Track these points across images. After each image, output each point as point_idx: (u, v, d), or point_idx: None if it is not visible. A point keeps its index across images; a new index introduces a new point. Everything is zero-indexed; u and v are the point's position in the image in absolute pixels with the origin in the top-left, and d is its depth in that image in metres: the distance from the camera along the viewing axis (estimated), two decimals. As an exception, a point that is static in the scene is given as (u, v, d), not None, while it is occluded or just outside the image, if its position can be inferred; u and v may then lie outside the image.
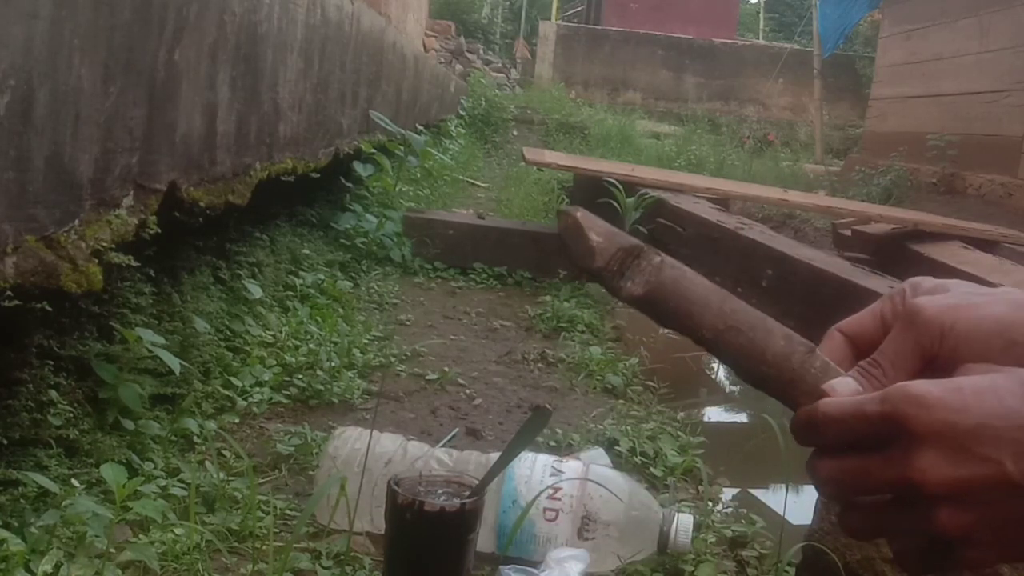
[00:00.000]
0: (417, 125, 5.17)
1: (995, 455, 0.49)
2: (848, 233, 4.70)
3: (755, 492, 2.02)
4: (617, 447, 1.68)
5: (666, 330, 2.21)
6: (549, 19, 17.70)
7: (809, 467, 0.56)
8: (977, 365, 0.53)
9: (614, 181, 3.18)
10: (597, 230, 0.59)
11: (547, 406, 1.10)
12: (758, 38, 20.25)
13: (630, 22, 15.70)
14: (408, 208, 3.82)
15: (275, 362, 1.90)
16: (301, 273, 2.61)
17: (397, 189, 3.92)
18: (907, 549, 0.54)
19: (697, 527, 1.29)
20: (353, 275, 2.98)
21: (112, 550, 1.05)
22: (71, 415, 1.30)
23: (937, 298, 0.58)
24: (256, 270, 2.29)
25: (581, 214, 0.60)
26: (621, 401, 2.07)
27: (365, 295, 2.78)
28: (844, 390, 0.56)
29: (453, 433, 1.72)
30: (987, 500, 0.50)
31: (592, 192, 3.42)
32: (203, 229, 1.83)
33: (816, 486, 0.56)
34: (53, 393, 1.30)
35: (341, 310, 2.47)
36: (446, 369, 2.09)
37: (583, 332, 2.61)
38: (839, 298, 2.13)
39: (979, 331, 0.55)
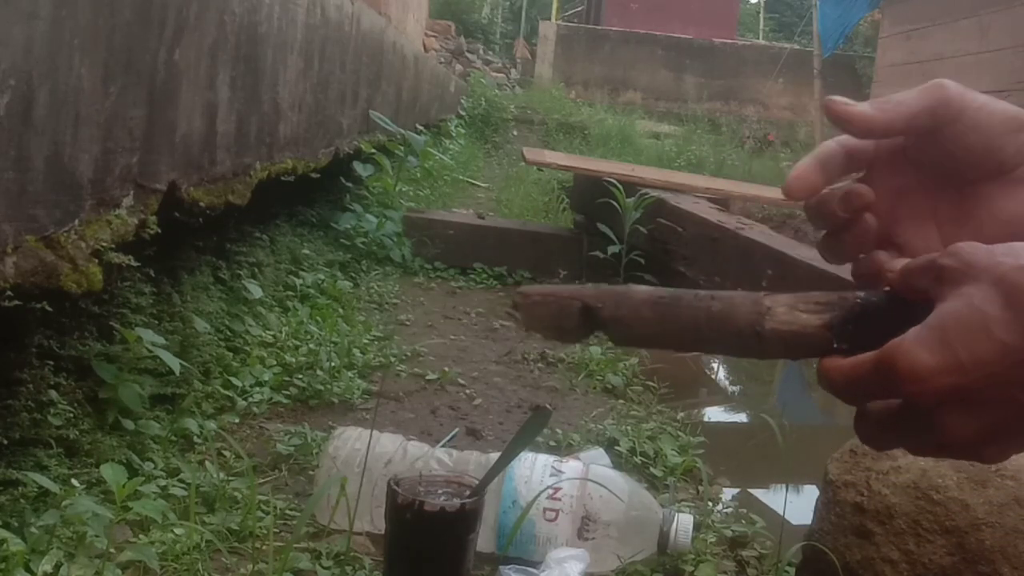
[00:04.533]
0: (417, 125, 5.17)
1: (1009, 395, 0.47)
2: (848, 233, 4.68)
3: (755, 492, 2.02)
4: (617, 447, 1.68)
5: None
6: (549, 19, 17.69)
7: (821, 369, 0.55)
8: (952, 268, 0.51)
9: (614, 181, 3.18)
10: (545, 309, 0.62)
11: (547, 406, 1.10)
12: (758, 38, 20.25)
13: (630, 22, 15.69)
14: (408, 208, 3.82)
15: (275, 362, 1.90)
16: (301, 273, 2.61)
17: (397, 189, 3.92)
18: (923, 448, 0.53)
19: (697, 527, 1.29)
20: (353, 275, 2.98)
21: (112, 550, 1.05)
22: (71, 415, 1.30)
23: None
24: (256, 270, 2.29)
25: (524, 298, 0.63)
26: (621, 401, 2.07)
27: (365, 295, 2.78)
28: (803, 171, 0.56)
29: (453, 433, 1.72)
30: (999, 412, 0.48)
31: (592, 192, 3.42)
32: (203, 229, 1.83)
33: (825, 387, 0.55)
34: (53, 393, 1.30)
35: (341, 310, 2.47)
36: (446, 369, 2.09)
37: (583, 332, 2.61)
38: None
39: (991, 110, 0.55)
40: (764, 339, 0.57)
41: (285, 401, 1.76)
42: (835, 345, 0.54)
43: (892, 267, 0.56)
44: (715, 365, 3.35)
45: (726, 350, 0.60)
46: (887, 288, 0.56)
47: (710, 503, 1.53)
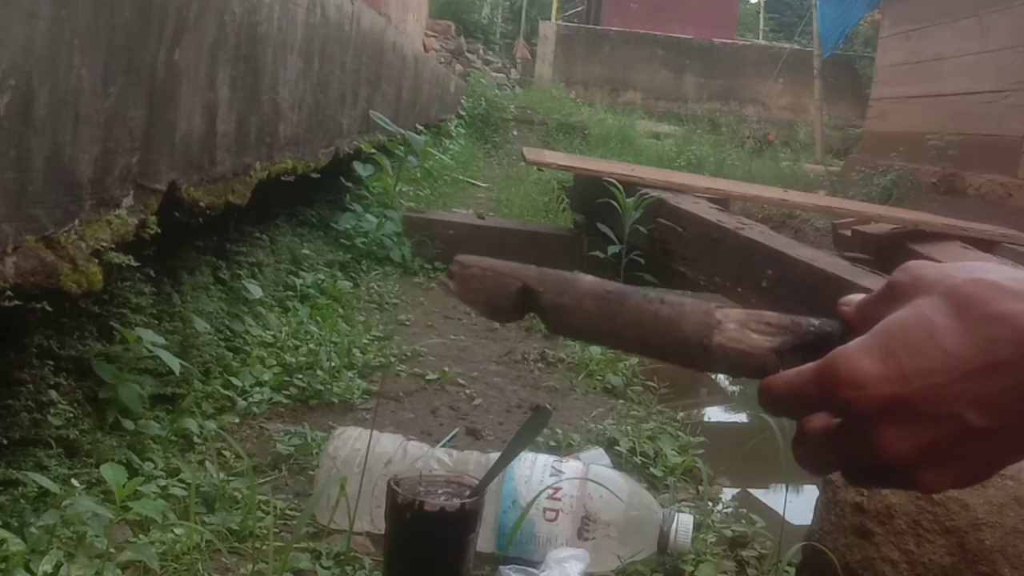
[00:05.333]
0: (417, 125, 5.17)
1: (951, 411, 0.45)
2: (848, 233, 4.69)
3: (755, 492, 2.02)
4: (617, 447, 1.68)
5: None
6: (549, 19, 17.69)
7: (763, 385, 0.52)
8: (903, 277, 0.49)
9: (614, 181, 3.18)
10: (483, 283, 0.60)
11: (547, 406, 1.10)
12: (758, 38, 20.25)
13: (630, 22, 15.68)
14: (408, 208, 3.82)
15: (275, 362, 1.90)
16: (301, 273, 2.61)
17: (397, 189, 3.92)
18: (861, 472, 0.51)
19: (697, 527, 1.29)
20: (353, 275, 2.98)
21: (112, 550, 1.05)
22: (71, 415, 1.30)
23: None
24: (256, 270, 2.29)
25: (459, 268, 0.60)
26: (621, 401, 2.07)
27: (365, 295, 2.78)
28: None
29: (453, 433, 1.72)
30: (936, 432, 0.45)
31: (592, 192, 3.42)
32: (203, 229, 1.83)
33: (764, 405, 0.53)
34: (53, 393, 1.30)
35: (341, 310, 2.47)
36: (446, 369, 2.09)
37: (583, 332, 2.61)
38: (839, 298, 2.13)
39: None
40: (710, 353, 0.55)
41: (285, 401, 1.76)
42: (781, 371, 0.52)
43: (848, 300, 0.54)
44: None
45: (668, 358, 0.57)
46: (841, 319, 0.54)
47: (710, 503, 1.53)
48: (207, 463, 1.37)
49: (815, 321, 0.55)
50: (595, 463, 1.34)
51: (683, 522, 1.24)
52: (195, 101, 1.52)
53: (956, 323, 0.45)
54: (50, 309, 1.14)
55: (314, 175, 2.60)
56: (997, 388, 0.44)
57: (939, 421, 0.45)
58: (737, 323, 0.55)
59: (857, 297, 0.53)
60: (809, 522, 1.23)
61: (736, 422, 3.02)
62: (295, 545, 1.14)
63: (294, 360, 1.92)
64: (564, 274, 0.60)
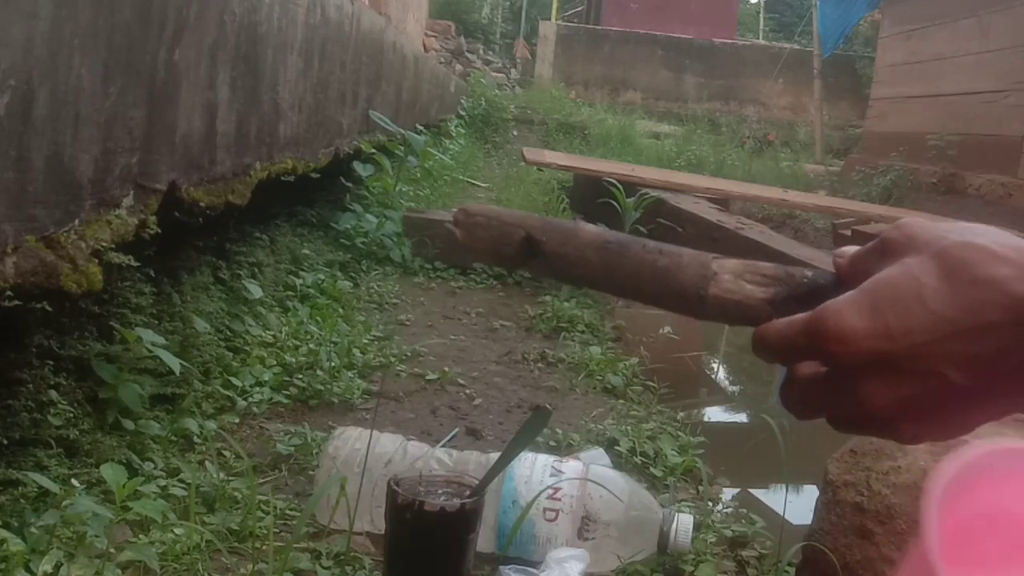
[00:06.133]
0: (417, 125, 5.17)
1: (935, 368, 0.46)
2: (848, 233, 4.70)
3: (755, 492, 2.02)
4: (617, 447, 1.68)
5: (666, 330, 2.20)
6: (549, 19, 17.69)
7: (757, 333, 0.54)
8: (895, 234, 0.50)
9: (614, 181, 3.18)
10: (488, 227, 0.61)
11: (547, 406, 1.10)
12: (758, 38, 20.25)
13: (630, 22, 15.69)
14: (408, 208, 3.82)
15: (275, 362, 1.90)
16: (301, 273, 2.61)
17: (397, 189, 3.92)
18: (842, 418, 0.52)
19: (697, 527, 1.29)
20: (353, 275, 2.98)
21: (112, 550, 1.05)
22: (71, 415, 1.30)
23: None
24: (256, 270, 2.29)
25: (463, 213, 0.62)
26: (621, 401, 2.07)
27: (365, 295, 2.78)
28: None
29: (453, 433, 1.72)
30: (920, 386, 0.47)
31: (592, 192, 3.42)
32: (203, 229, 1.83)
33: (758, 351, 0.54)
34: (53, 393, 1.30)
35: (341, 310, 2.47)
36: (446, 369, 2.09)
37: (583, 332, 2.61)
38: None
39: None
40: (706, 303, 0.56)
41: (285, 401, 1.76)
42: (774, 320, 0.54)
43: (842, 252, 0.55)
44: (715, 365, 3.35)
45: (665, 306, 0.59)
46: (835, 271, 0.55)
47: (710, 503, 1.53)
48: (207, 463, 1.37)
49: (808, 273, 0.56)
50: (595, 463, 1.34)
51: (683, 522, 1.24)
52: (195, 101, 1.52)
53: (944, 284, 0.46)
54: (50, 309, 1.14)
55: (314, 175, 2.60)
56: (981, 350, 0.45)
57: (922, 378, 0.46)
58: (732, 274, 0.56)
59: (851, 249, 0.54)
60: (809, 522, 1.23)
61: (736, 422, 3.02)
62: (295, 545, 1.14)
63: (294, 360, 1.92)
64: (567, 223, 0.62)
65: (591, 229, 0.60)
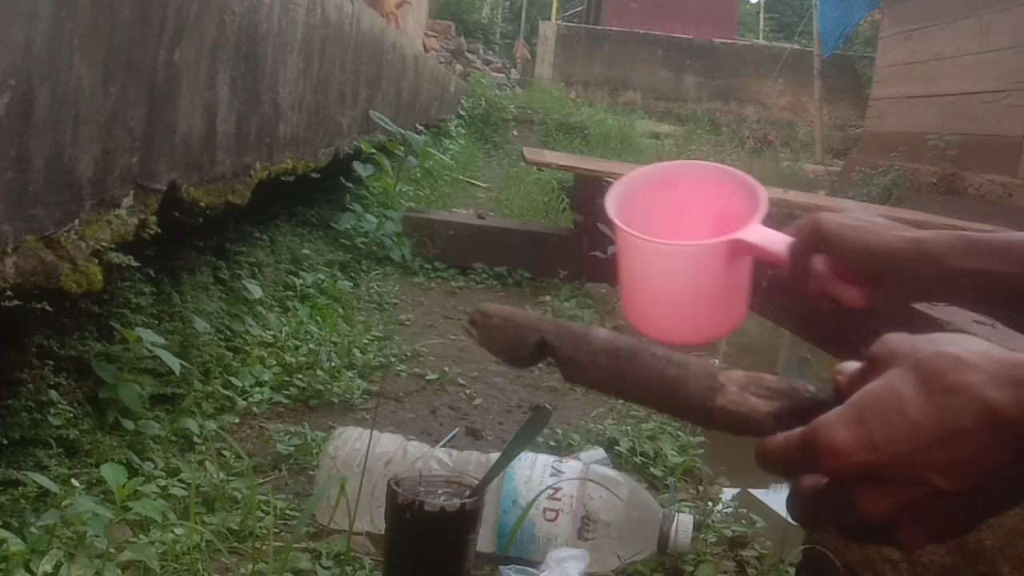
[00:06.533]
0: (417, 125, 5.17)
1: (921, 476, 0.49)
2: (848, 233, 4.68)
3: (755, 492, 2.02)
4: (617, 447, 1.68)
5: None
6: (549, 19, 17.70)
7: (759, 448, 0.57)
8: (882, 352, 0.54)
9: (614, 181, 3.17)
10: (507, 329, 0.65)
11: (547, 406, 1.10)
12: (758, 38, 20.25)
13: (630, 22, 15.69)
14: (408, 208, 3.82)
15: (275, 362, 1.90)
16: (301, 273, 2.61)
17: (397, 189, 3.92)
18: (847, 527, 0.55)
19: (697, 527, 1.29)
20: (353, 275, 2.98)
21: (112, 550, 1.05)
22: (71, 415, 1.30)
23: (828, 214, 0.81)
24: (256, 270, 2.29)
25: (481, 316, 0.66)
26: (621, 401, 2.07)
27: (365, 295, 2.78)
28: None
29: (453, 433, 1.72)
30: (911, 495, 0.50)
31: (592, 192, 3.41)
32: (203, 229, 1.83)
33: (761, 465, 0.57)
34: (53, 393, 1.30)
35: (341, 310, 2.47)
36: (446, 369, 2.09)
37: (583, 332, 2.60)
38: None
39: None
40: (712, 414, 0.59)
41: (285, 401, 1.76)
42: (777, 433, 0.56)
43: (841, 370, 0.58)
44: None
45: (673, 414, 0.64)
46: (836, 388, 0.58)
47: (710, 503, 1.53)
48: (207, 463, 1.37)
49: (811, 388, 0.59)
50: (595, 463, 1.34)
51: (683, 522, 1.24)
52: (195, 101, 1.52)
53: (921, 394, 0.49)
54: (50, 309, 1.14)
55: (314, 175, 2.60)
56: (961, 454, 0.48)
57: (910, 485, 0.49)
58: (738, 386, 0.59)
59: (851, 366, 0.57)
60: (809, 522, 1.23)
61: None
62: (295, 545, 1.14)
63: (294, 360, 1.92)
64: (579, 329, 0.64)
65: (603, 335, 0.63)
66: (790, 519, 0.57)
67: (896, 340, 0.54)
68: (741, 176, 1.03)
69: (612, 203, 0.96)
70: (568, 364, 0.63)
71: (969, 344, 0.51)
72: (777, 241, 0.92)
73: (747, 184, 1.03)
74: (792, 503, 0.56)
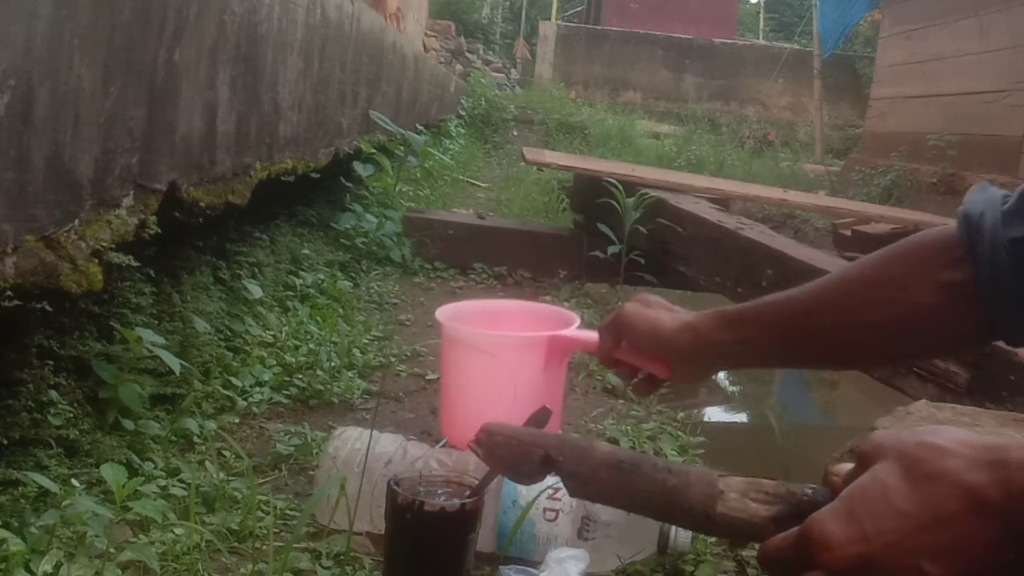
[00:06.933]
0: (417, 125, 5.17)
1: (912, 563, 0.50)
2: (848, 233, 4.70)
3: (755, 492, 2.02)
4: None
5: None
6: (549, 19, 17.70)
7: (761, 549, 0.60)
8: (872, 452, 0.55)
9: (614, 181, 3.17)
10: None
11: (547, 406, 1.10)
12: (758, 38, 20.25)
13: (630, 22, 15.69)
14: (408, 208, 3.82)
15: (275, 362, 1.90)
16: (301, 273, 2.61)
17: (397, 189, 3.92)
18: None
19: (697, 527, 1.29)
20: (353, 275, 2.98)
21: (112, 550, 1.05)
22: (71, 415, 1.30)
23: (632, 304, 1.02)
24: (256, 270, 2.29)
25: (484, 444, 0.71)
26: (621, 401, 2.07)
27: (365, 295, 2.78)
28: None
29: (453, 433, 1.71)
30: None
31: (592, 192, 3.42)
32: (203, 229, 1.83)
33: (763, 567, 0.60)
34: (53, 393, 1.30)
35: (341, 310, 2.47)
36: (446, 369, 2.09)
37: (583, 332, 2.60)
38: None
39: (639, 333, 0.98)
40: (713, 521, 0.61)
41: (285, 401, 1.76)
42: (774, 537, 0.58)
43: (837, 471, 0.60)
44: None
45: (675, 522, 0.66)
46: (832, 488, 0.59)
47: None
48: (207, 463, 1.37)
49: (808, 490, 0.61)
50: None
51: (683, 522, 1.24)
52: (195, 101, 1.52)
53: (905, 483, 0.51)
54: (50, 309, 1.14)
55: (314, 175, 2.60)
56: (946, 540, 0.50)
57: (903, 573, 0.51)
58: (738, 492, 0.61)
59: (845, 467, 0.59)
60: (809, 522, 1.23)
61: (736, 422, 3.02)
62: (295, 545, 1.14)
63: (294, 360, 1.92)
64: (582, 443, 0.66)
65: (605, 448, 0.65)
66: None
67: (882, 435, 0.56)
68: (555, 309, 1.30)
69: (443, 316, 1.21)
70: (572, 478, 0.65)
71: (949, 433, 0.53)
72: (590, 335, 1.15)
73: (561, 315, 1.29)
74: None
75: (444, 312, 1.35)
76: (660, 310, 1.01)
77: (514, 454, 0.66)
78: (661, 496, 0.61)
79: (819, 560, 0.52)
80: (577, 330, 1.20)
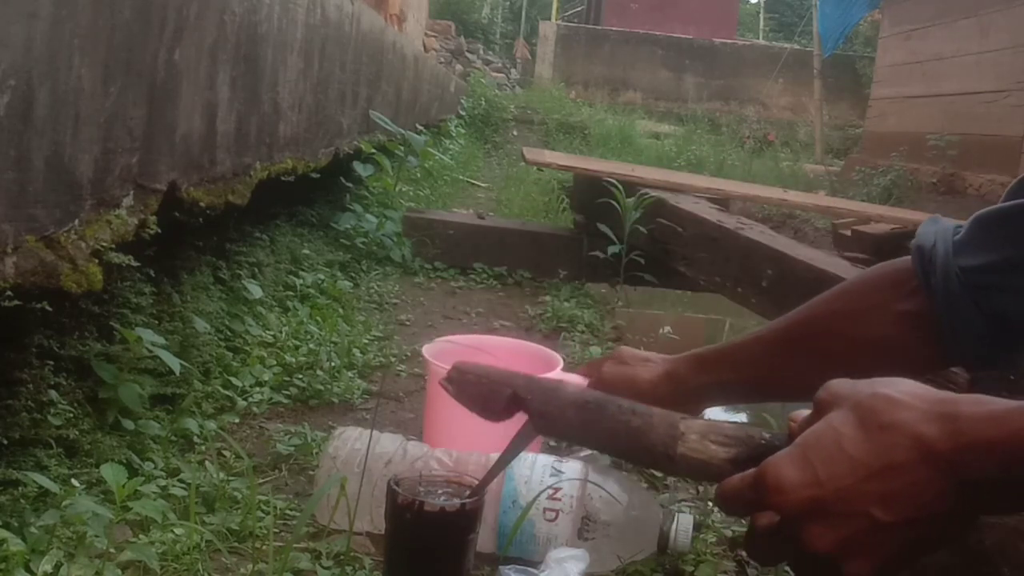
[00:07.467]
0: (417, 125, 5.17)
1: (861, 508, 0.53)
2: (848, 233, 4.70)
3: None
4: (617, 447, 1.68)
5: (666, 330, 2.22)
6: (549, 19, 17.70)
7: (718, 489, 0.61)
8: (831, 390, 0.58)
9: (614, 181, 3.17)
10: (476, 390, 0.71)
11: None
12: (758, 38, 20.25)
13: (630, 22, 15.69)
14: (408, 208, 3.82)
15: (275, 362, 1.90)
16: (301, 273, 2.61)
17: (397, 189, 3.92)
18: (799, 562, 0.59)
19: (697, 527, 1.29)
20: (353, 275, 2.98)
21: (112, 550, 1.05)
22: (71, 415, 1.30)
23: (609, 363, 1.09)
24: (256, 270, 2.29)
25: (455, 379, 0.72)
26: (621, 401, 2.07)
27: (365, 295, 2.78)
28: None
29: (453, 433, 1.71)
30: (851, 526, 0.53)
31: (592, 192, 3.41)
32: (203, 229, 1.83)
33: (719, 505, 0.62)
34: (53, 393, 1.30)
35: (341, 310, 2.47)
36: (446, 369, 2.09)
37: (583, 332, 2.61)
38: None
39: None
40: (674, 461, 0.62)
41: (285, 401, 1.76)
42: (731, 477, 0.60)
43: (794, 417, 0.62)
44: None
45: (638, 462, 0.68)
46: (789, 433, 0.61)
47: (710, 503, 1.53)
48: (207, 463, 1.37)
49: (766, 434, 0.62)
50: (595, 463, 1.33)
51: (683, 522, 1.24)
52: (195, 101, 1.52)
53: (859, 432, 0.54)
54: (50, 309, 1.14)
55: (314, 175, 2.60)
56: (896, 487, 0.52)
57: (852, 518, 0.53)
58: (699, 434, 0.63)
59: (802, 413, 0.61)
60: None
61: (736, 422, 3.01)
62: (295, 545, 1.14)
63: (294, 360, 1.92)
64: (549, 383, 0.68)
65: (572, 389, 0.67)
66: (748, 558, 0.61)
67: (837, 384, 0.58)
68: (540, 349, 1.35)
69: (429, 353, 1.28)
70: (539, 417, 0.66)
71: (903, 386, 0.55)
72: (577, 380, 1.15)
73: (546, 356, 1.34)
74: (747, 541, 0.59)
75: (432, 350, 1.45)
76: (636, 365, 1.06)
77: (483, 392, 0.68)
78: (625, 436, 0.63)
79: (773, 502, 0.55)
80: (564, 375, 1.24)
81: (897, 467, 0.52)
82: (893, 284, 0.88)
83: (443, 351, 1.44)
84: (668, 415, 0.63)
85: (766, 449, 0.60)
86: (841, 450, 0.53)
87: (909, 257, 0.89)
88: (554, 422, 0.65)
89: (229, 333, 1.93)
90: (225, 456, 1.44)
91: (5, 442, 1.19)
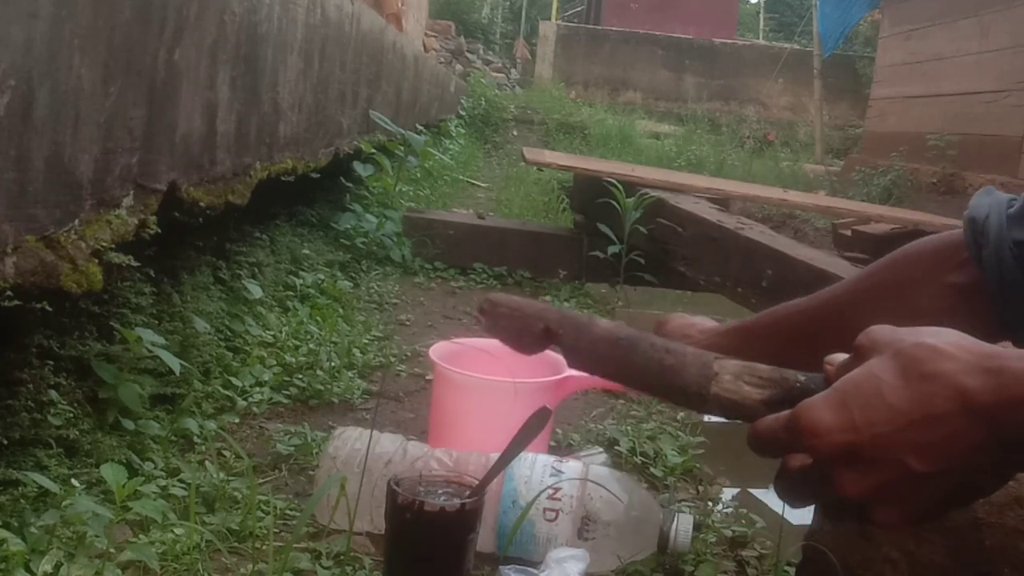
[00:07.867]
0: (417, 125, 5.17)
1: (896, 456, 0.52)
2: (848, 233, 4.70)
3: (755, 492, 2.02)
4: (617, 447, 1.68)
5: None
6: (549, 19, 17.70)
7: (751, 429, 0.60)
8: (865, 340, 0.57)
9: (614, 181, 3.17)
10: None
11: (547, 406, 1.10)
12: (758, 38, 20.25)
13: (630, 22, 15.69)
14: (408, 208, 3.82)
15: (275, 362, 1.90)
16: (301, 273, 2.61)
17: (397, 189, 3.92)
18: (828, 505, 0.59)
19: (697, 527, 1.29)
20: (353, 275, 2.98)
21: (112, 550, 1.05)
22: (71, 415, 1.30)
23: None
24: (256, 270, 2.29)
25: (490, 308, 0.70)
26: (621, 401, 2.07)
27: (365, 295, 2.78)
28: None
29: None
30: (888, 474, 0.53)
31: (592, 192, 3.42)
32: (203, 229, 1.83)
33: (751, 446, 0.61)
34: (53, 393, 1.30)
35: (341, 310, 2.47)
36: (446, 369, 2.09)
37: (583, 332, 2.60)
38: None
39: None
40: (707, 401, 0.62)
41: (285, 401, 1.76)
42: (764, 417, 0.59)
43: (831, 360, 0.61)
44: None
45: (671, 400, 0.68)
46: (825, 377, 0.60)
47: (710, 503, 1.53)
48: (207, 463, 1.37)
49: (801, 377, 0.62)
50: (595, 463, 1.33)
51: (683, 522, 1.24)
52: (195, 101, 1.52)
53: (900, 380, 0.53)
54: (50, 309, 1.14)
55: (314, 175, 2.60)
56: (934, 438, 0.51)
57: (887, 466, 0.53)
58: (732, 375, 0.62)
59: (839, 357, 0.60)
60: (809, 522, 1.23)
61: (736, 422, 3.01)
62: (295, 545, 1.14)
63: (294, 360, 1.92)
64: (582, 318, 0.67)
65: (604, 325, 0.67)
66: (777, 497, 0.60)
67: (879, 331, 0.57)
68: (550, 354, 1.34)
69: (436, 355, 1.31)
70: (571, 351, 0.65)
71: (947, 336, 0.54)
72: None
73: (546, 354, 1.34)
74: (778, 481, 0.59)
75: (437, 351, 1.46)
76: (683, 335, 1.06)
77: (517, 325, 0.67)
78: (658, 374, 0.62)
79: (807, 444, 0.54)
80: (568, 372, 1.27)
81: (936, 418, 0.51)
82: (942, 256, 0.87)
83: (448, 353, 1.45)
84: (702, 354, 0.63)
85: (801, 392, 0.59)
86: (880, 397, 0.53)
87: (952, 231, 0.88)
88: (585, 357, 0.64)
89: (229, 333, 1.93)
90: (225, 456, 1.44)
91: (5, 442, 1.19)
